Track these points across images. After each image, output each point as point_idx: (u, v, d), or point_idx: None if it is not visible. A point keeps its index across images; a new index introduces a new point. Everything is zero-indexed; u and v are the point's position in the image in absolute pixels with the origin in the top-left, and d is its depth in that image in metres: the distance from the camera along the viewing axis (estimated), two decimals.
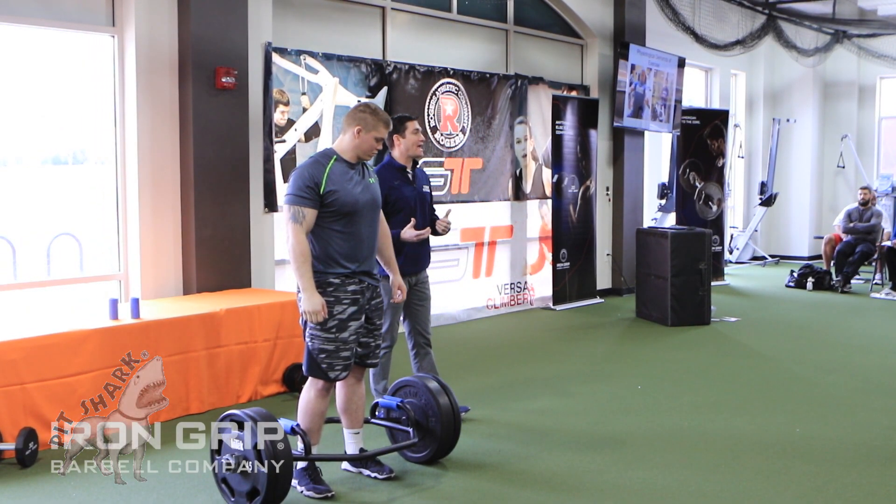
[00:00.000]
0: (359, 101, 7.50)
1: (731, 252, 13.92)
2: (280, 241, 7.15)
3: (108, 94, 6.40)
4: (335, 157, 4.13)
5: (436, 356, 5.27)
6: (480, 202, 9.23)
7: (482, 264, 9.48)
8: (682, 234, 8.97)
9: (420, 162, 5.35)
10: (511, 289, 9.78)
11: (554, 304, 9.80)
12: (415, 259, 5.15)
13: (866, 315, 9.65)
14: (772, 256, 14.48)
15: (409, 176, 5.17)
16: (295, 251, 3.99)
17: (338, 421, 4.44)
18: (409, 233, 4.94)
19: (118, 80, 6.36)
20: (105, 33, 6.32)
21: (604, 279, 10.88)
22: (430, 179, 8.60)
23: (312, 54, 7.46)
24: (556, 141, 9.80)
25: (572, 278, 10.09)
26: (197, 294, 6.41)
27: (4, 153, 6.21)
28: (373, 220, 4.21)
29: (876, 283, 11.26)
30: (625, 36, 10.75)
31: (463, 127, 8.97)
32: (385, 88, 8.06)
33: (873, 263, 11.45)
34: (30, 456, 4.47)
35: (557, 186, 9.85)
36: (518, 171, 9.66)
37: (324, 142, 7.49)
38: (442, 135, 8.73)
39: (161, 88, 6.41)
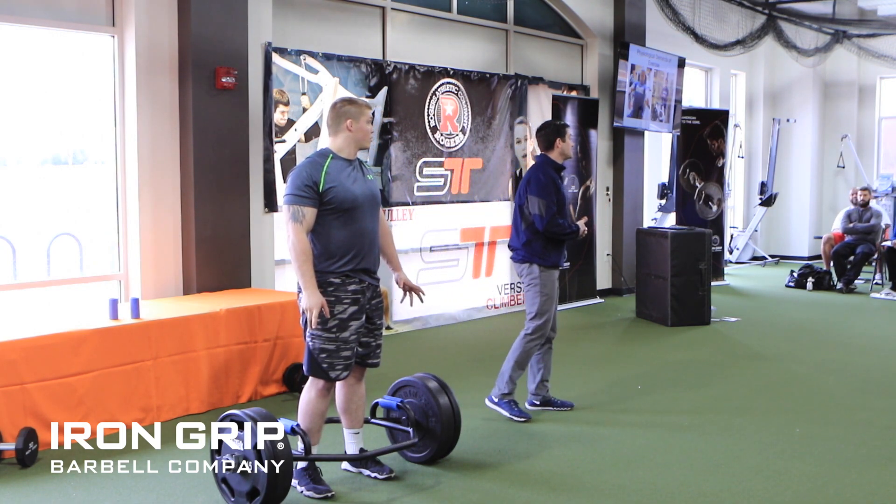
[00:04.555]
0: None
1: (731, 252, 13.92)
2: (280, 241, 7.16)
3: (108, 94, 6.40)
4: (332, 155, 4.14)
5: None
6: (480, 202, 9.23)
7: (482, 264, 9.48)
8: (682, 234, 8.97)
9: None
10: (511, 289, 9.78)
11: None
12: (565, 253, 5.64)
13: (866, 315, 9.65)
14: (772, 256, 14.48)
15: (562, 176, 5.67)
16: (296, 250, 3.99)
17: (338, 421, 4.44)
18: (584, 227, 5.53)
19: (118, 80, 6.36)
20: (105, 33, 6.32)
21: (604, 279, 10.88)
22: (433, 180, 8.74)
23: (312, 54, 7.46)
24: None
25: (572, 278, 10.08)
26: (197, 294, 6.41)
27: (4, 153, 6.21)
28: (373, 216, 4.21)
29: (876, 284, 11.26)
30: (625, 36, 10.75)
31: (463, 127, 8.97)
32: (385, 88, 8.07)
33: (873, 263, 11.46)
34: (30, 456, 4.47)
35: None
36: (518, 171, 9.65)
37: (324, 142, 7.49)
38: (442, 135, 8.73)
39: (161, 88, 6.41)
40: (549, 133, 5.54)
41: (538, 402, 5.63)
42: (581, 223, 5.53)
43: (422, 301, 4.54)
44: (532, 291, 5.47)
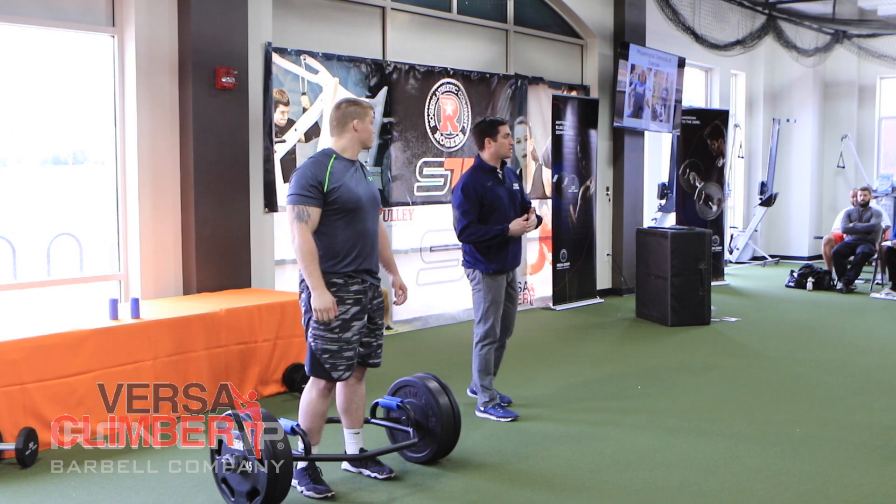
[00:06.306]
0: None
1: (731, 252, 13.92)
2: (280, 241, 7.16)
3: (108, 94, 6.40)
4: (335, 155, 4.15)
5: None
6: None
7: None
8: (682, 234, 8.97)
9: (508, 161, 5.64)
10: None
11: (554, 304, 9.80)
12: (514, 255, 5.49)
13: (866, 315, 9.65)
14: (772, 256, 14.48)
15: (500, 176, 5.43)
16: (302, 250, 4.00)
17: (338, 421, 4.44)
18: (517, 224, 5.29)
19: (118, 80, 6.36)
20: (105, 33, 6.32)
21: (604, 279, 10.88)
22: (433, 180, 8.73)
23: (312, 54, 7.46)
24: (556, 141, 9.80)
25: (572, 278, 10.08)
26: (197, 294, 6.41)
27: (4, 153, 6.22)
28: (374, 218, 4.23)
29: (876, 284, 11.26)
30: (625, 36, 10.75)
31: (463, 127, 8.97)
32: (385, 88, 8.07)
33: (874, 263, 11.46)
34: (30, 456, 4.47)
35: (557, 186, 9.85)
36: (518, 172, 9.65)
37: (324, 142, 7.49)
38: (442, 135, 8.73)
39: (161, 88, 6.41)
40: (480, 132, 5.39)
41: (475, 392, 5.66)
42: (517, 220, 5.30)
43: (394, 304, 4.64)
44: (477, 297, 5.55)
